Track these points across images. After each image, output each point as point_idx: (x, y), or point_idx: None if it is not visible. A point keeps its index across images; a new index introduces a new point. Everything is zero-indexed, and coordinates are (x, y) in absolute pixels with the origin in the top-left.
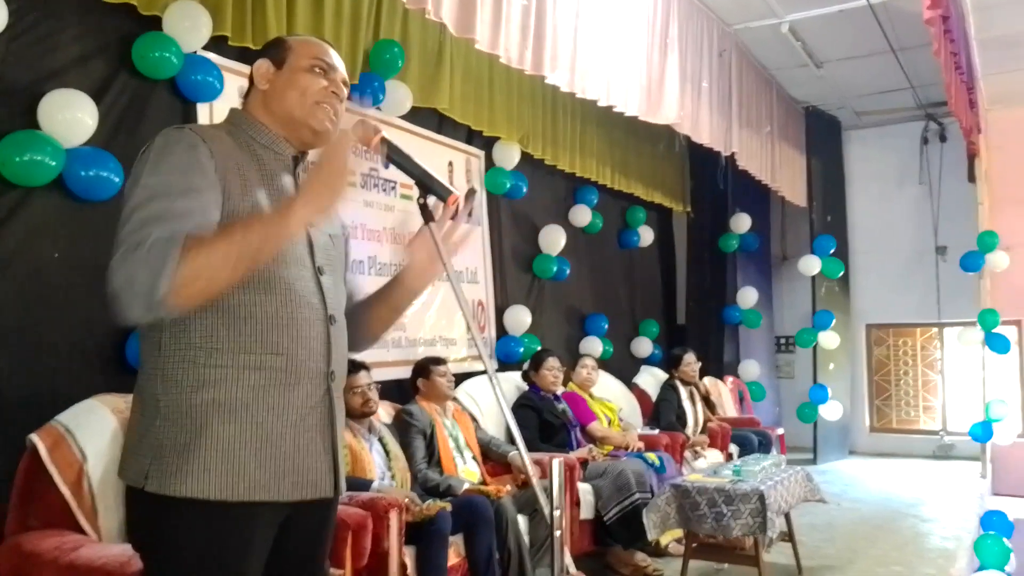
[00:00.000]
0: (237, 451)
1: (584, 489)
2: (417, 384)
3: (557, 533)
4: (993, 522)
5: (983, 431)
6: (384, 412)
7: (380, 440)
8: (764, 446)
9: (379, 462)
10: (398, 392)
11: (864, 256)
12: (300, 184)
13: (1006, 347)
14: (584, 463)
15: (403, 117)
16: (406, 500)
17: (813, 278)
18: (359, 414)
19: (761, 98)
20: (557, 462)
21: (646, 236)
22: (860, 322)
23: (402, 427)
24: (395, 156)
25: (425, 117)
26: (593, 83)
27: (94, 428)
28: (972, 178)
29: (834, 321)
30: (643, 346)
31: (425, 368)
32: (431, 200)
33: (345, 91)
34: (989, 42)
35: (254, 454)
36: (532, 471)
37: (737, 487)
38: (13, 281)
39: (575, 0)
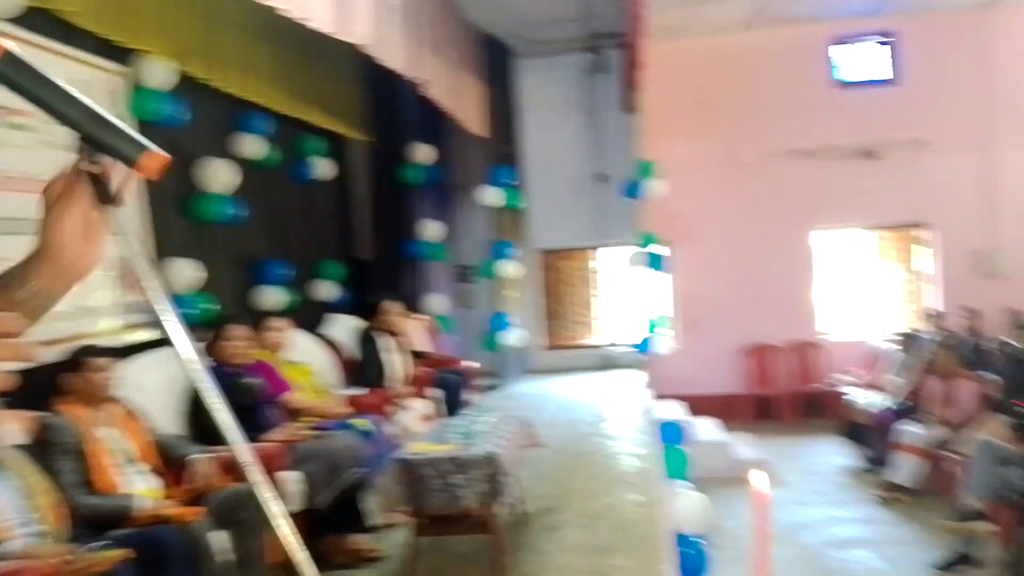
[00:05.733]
0: None
1: (292, 478)
2: (62, 383)
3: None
4: (670, 433)
5: (646, 343)
6: (13, 428)
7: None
8: (462, 384)
9: (11, 506)
10: (33, 395)
11: (537, 185)
12: None
13: (666, 267)
14: (290, 444)
15: (13, 22)
16: (62, 560)
17: (493, 208)
18: None
19: (446, 22)
20: None
21: (323, 168)
22: (535, 248)
23: (42, 446)
24: (25, 82)
25: (46, 23)
26: None
27: None
28: (634, 108)
29: (514, 249)
30: (328, 291)
31: (76, 362)
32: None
33: None
34: None
35: None
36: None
37: (468, 453)
38: None
39: None
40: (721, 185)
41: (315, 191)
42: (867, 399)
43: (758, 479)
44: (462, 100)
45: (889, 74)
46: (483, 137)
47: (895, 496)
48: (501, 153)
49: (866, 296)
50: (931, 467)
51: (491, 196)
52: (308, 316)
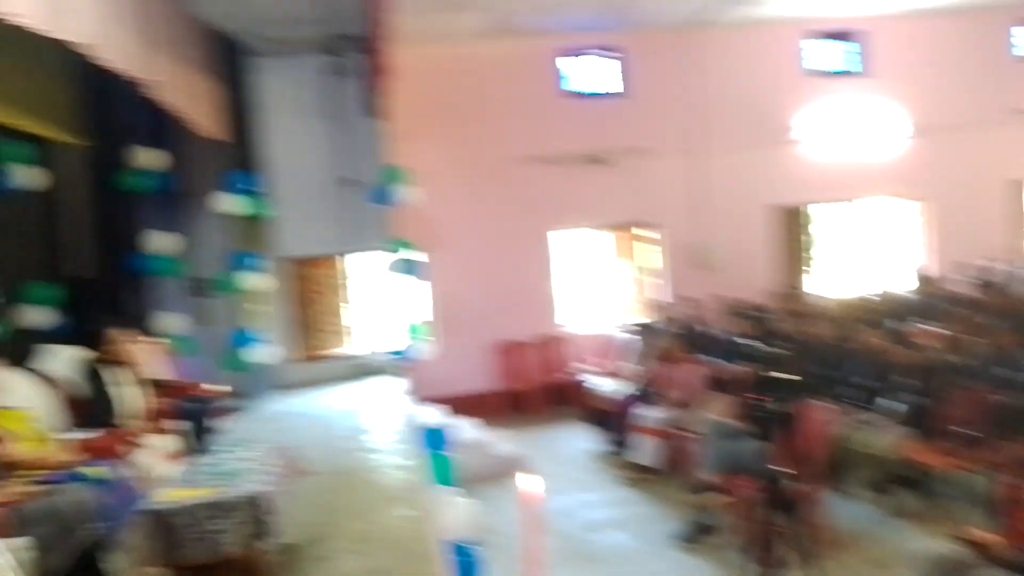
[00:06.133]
0: None
1: (18, 545)
2: None
3: None
4: (434, 440)
5: (406, 350)
6: None
7: None
8: (214, 412)
9: None
10: None
11: (281, 190)
12: None
13: (421, 272)
14: (11, 506)
15: None
16: None
17: (232, 216)
18: None
19: (176, 17)
20: None
21: (28, 177)
22: (281, 257)
23: None
24: None
25: None
26: None
27: None
28: (379, 113)
29: (257, 259)
30: (41, 318)
31: None
32: None
33: None
34: None
35: None
36: None
37: (229, 496)
38: None
39: None
40: (469, 190)
41: (19, 203)
42: (607, 386)
43: (528, 481)
44: (195, 101)
45: (615, 86)
46: (220, 141)
47: (638, 476)
48: (240, 158)
49: (601, 290)
50: (668, 446)
51: (230, 203)
52: (19, 349)
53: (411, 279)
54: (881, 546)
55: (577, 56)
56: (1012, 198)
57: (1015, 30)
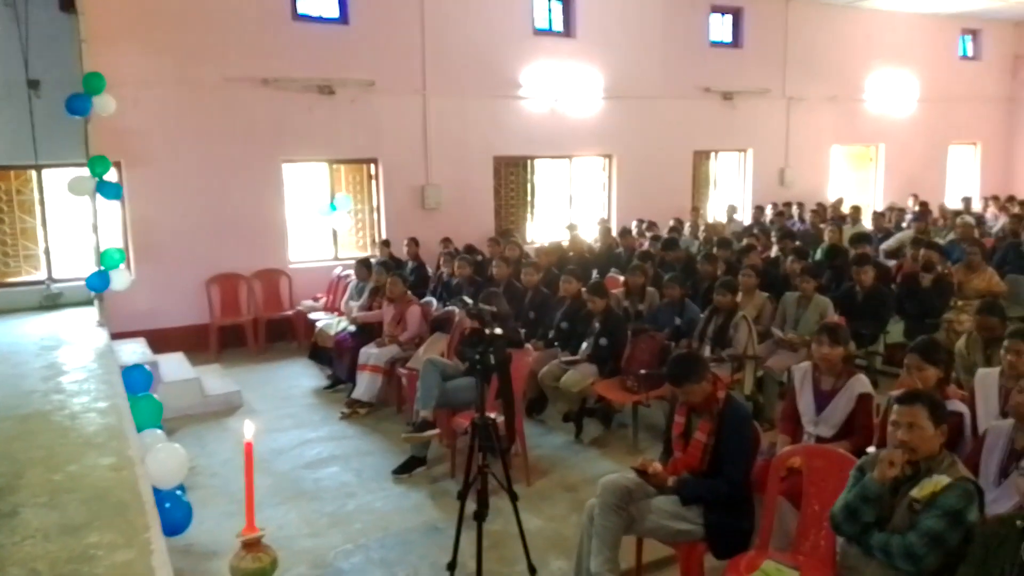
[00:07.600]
0: None
1: None
2: None
3: None
4: (136, 379)
5: (100, 280)
6: None
7: None
8: None
9: None
10: None
11: None
12: None
13: (118, 193)
14: None
15: None
16: None
17: None
18: None
19: None
20: None
21: None
22: None
23: None
24: None
25: None
26: None
27: None
28: (66, 7)
29: None
30: None
31: None
32: None
33: None
34: None
35: None
36: None
37: None
38: None
39: None
40: (179, 106)
41: None
42: (329, 322)
43: (242, 420)
44: None
45: (340, 12)
46: None
47: (357, 411)
48: None
49: (326, 225)
50: (387, 382)
51: None
52: None
53: (108, 201)
54: (572, 471)
55: None
56: (696, 166)
57: (713, 17)
